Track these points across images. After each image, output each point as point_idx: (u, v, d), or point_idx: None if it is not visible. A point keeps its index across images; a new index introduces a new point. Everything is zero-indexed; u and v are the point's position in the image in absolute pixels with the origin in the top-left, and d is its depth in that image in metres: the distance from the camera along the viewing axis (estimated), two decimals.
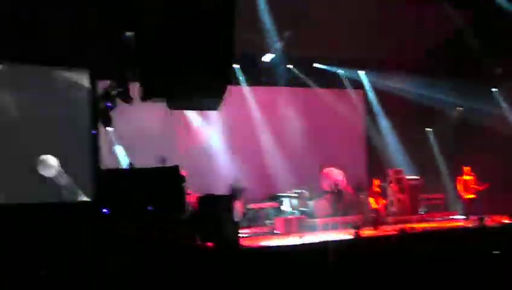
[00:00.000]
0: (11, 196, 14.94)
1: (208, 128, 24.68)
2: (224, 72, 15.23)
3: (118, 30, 16.23)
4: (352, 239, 17.42)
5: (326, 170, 25.50)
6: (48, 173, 15.34)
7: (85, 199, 15.76)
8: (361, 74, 27.73)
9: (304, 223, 22.38)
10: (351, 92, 28.05)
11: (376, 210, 22.86)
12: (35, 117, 15.52)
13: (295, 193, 24.28)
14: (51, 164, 15.36)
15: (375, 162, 27.36)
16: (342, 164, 26.02)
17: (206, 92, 15.26)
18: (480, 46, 24.23)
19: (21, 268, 12.42)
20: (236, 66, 24.29)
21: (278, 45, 23.63)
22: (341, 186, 23.31)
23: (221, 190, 20.30)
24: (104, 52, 16.46)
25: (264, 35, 22.58)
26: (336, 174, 25.39)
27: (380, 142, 27.77)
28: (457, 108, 27.35)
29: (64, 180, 15.54)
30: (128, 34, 16.23)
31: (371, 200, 23.00)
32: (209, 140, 24.68)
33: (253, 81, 25.58)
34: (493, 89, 26.46)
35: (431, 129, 28.56)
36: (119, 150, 21.96)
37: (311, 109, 26.71)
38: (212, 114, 23.33)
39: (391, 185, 24.75)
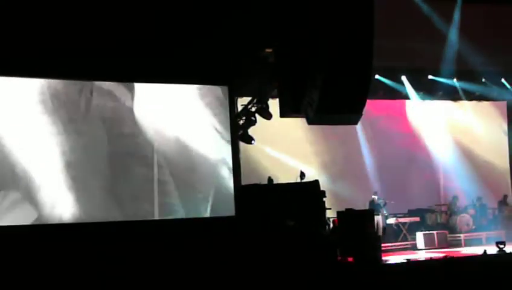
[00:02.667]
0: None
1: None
2: (362, 86, 15.13)
3: (257, 46, 16.43)
4: (495, 255, 16.91)
5: None
6: None
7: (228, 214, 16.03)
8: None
9: (447, 238, 21.92)
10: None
11: None
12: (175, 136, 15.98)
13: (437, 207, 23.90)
14: None
15: None
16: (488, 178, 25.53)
17: (347, 108, 15.22)
18: None
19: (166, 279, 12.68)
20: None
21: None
22: None
23: (361, 204, 20.12)
24: (244, 69, 16.69)
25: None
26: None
27: None
28: None
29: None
30: (267, 50, 16.42)
31: None
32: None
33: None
34: None
35: None
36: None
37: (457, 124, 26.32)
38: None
39: None
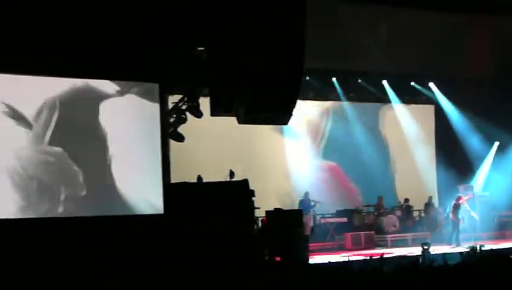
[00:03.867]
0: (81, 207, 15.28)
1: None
2: (293, 87, 15.21)
3: (190, 45, 16.39)
4: (419, 255, 17.13)
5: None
6: None
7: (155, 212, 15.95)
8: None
9: (373, 238, 22.20)
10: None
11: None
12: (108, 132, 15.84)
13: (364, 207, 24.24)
14: None
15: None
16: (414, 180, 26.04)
17: (277, 108, 15.29)
18: None
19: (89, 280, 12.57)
20: None
21: None
22: (462, 201, 22.63)
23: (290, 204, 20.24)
24: (175, 67, 16.62)
25: None
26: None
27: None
28: None
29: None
30: (199, 49, 16.39)
31: (451, 215, 22.35)
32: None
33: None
34: None
35: None
36: None
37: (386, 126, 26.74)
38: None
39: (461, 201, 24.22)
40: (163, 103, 16.97)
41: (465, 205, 22.28)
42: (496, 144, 27.21)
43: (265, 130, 22.18)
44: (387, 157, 26.14)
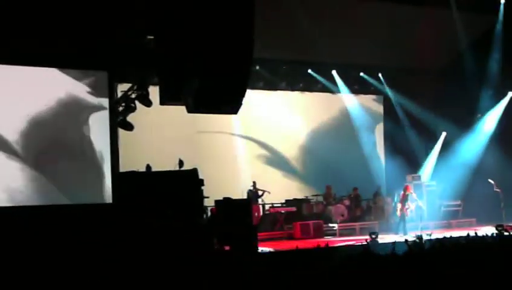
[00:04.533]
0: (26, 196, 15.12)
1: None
2: (242, 76, 15.19)
3: (139, 33, 16.28)
4: (365, 244, 17.24)
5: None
6: None
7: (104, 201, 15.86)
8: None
9: (322, 227, 22.32)
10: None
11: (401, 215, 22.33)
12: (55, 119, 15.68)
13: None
14: None
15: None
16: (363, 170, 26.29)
17: (226, 98, 15.25)
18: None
19: (41, 269, 12.44)
20: None
21: None
22: (409, 191, 22.79)
23: (240, 194, 20.25)
24: (124, 55, 16.51)
25: None
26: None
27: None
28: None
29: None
30: (149, 38, 16.29)
31: (399, 205, 22.51)
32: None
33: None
34: None
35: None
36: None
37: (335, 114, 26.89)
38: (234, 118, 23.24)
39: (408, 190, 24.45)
40: (112, 92, 16.85)
41: (412, 195, 22.49)
42: (444, 134, 27.55)
43: (214, 119, 22.11)
44: (336, 147, 26.23)
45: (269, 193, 23.19)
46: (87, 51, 15.68)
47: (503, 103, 26.09)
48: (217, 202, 17.70)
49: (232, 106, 15.95)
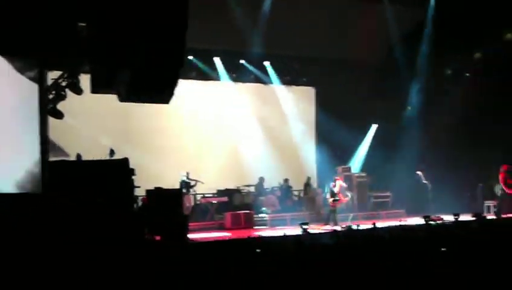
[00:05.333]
0: None
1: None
2: (174, 66, 15.11)
3: (71, 20, 16.03)
4: (297, 235, 17.39)
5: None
6: None
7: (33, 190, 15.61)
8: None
9: (253, 218, 22.41)
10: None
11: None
12: None
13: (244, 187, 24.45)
14: None
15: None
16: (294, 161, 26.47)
17: (159, 87, 15.17)
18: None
19: None
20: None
21: None
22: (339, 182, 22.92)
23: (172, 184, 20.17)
24: (55, 42, 16.25)
25: None
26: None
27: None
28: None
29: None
30: (80, 25, 16.06)
31: (329, 196, 22.60)
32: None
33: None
34: None
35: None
36: None
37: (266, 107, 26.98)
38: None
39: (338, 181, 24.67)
40: (42, 79, 16.59)
41: (342, 186, 22.75)
42: (374, 126, 27.94)
43: (146, 109, 22.01)
44: (268, 138, 26.35)
45: (202, 183, 23.22)
46: (16, 37, 15.36)
47: None
48: (148, 191, 17.65)
49: (164, 95, 15.89)
